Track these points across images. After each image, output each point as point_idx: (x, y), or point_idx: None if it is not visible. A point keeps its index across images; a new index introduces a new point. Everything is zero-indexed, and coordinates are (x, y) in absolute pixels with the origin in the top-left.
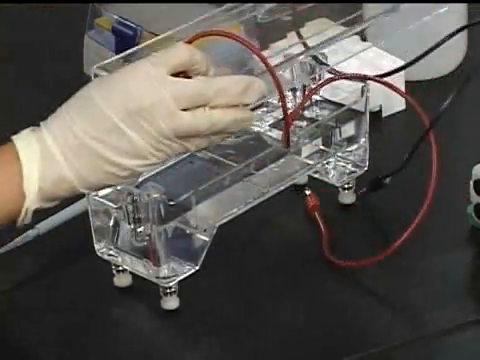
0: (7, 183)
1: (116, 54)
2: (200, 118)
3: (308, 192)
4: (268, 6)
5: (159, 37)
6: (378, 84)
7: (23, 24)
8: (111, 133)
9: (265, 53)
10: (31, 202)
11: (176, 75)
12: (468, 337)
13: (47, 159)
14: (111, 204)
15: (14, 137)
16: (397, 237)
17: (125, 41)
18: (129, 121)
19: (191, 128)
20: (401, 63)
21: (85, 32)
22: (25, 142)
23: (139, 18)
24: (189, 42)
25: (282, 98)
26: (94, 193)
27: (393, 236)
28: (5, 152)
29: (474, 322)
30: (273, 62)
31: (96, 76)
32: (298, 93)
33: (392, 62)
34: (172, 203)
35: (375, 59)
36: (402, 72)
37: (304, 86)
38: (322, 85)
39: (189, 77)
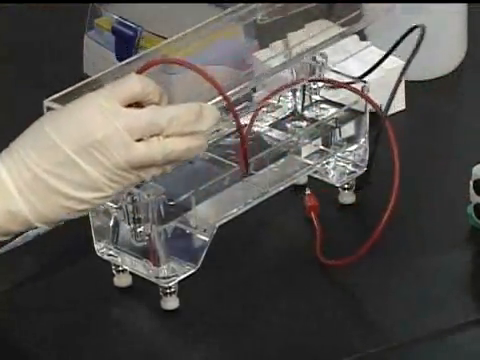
0: None
1: (116, 54)
2: (154, 148)
3: (308, 192)
4: (267, 6)
5: (164, 43)
6: (378, 84)
7: (23, 24)
8: (65, 166)
9: (265, 52)
10: None
11: (129, 105)
12: (468, 337)
13: (1, 192)
14: (111, 204)
15: None
16: (397, 238)
17: (125, 41)
18: (83, 154)
19: (146, 158)
20: (401, 63)
21: (85, 32)
22: None
23: (139, 18)
24: (139, 71)
25: (239, 125)
26: None
27: (392, 237)
28: None
29: (474, 322)
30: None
31: (49, 109)
32: (298, 93)
33: (392, 62)
34: (172, 203)
35: (375, 59)
36: (402, 71)
37: (304, 86)
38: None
39: (142, 106)
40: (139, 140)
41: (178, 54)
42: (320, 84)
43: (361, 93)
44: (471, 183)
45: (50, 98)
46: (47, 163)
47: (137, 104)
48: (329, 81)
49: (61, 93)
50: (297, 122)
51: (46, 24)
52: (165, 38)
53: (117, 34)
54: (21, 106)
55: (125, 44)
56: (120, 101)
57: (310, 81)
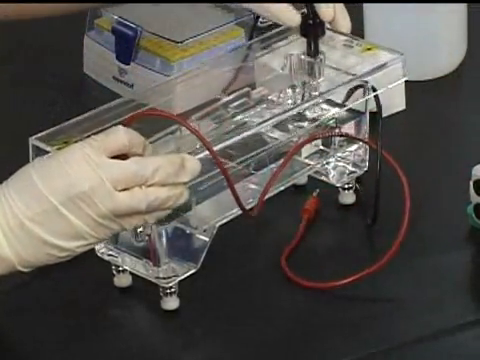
0: None
1: (116, 54)
2: (137, 197)
3: (315, 194)
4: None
5: None
6: (376, 83)
7: (23, 24)
8: (51, 216)
9: (266, 57)
10: None
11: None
12: (468, 337)
13: None
14: None
15: None
16: (395, 239)
17: (125, 41)
18: (69, 204)
19: (130, 208)
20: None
21: (85, 32)
22: None
23: (139, 18)
24: (126, 124)
25: (225, 175)
26: None
27: (392, 236)
28: None
29: (474, 322)
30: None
31: (34, 147)
32: (298, 90)
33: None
34: None
35: (374, 56)
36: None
37: (304, 83)
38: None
39: (126, 156)
40: (123, 189)
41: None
42: (320, 81)
43: (374, 146)
44: (471, 183)
45: (36, 136)
46: (33, 212)
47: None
48: (341, 135)
49: (47, 131)
50: (298, 122)
51: (46, 24)
52: (165, 38)
53: (117, 34)
54: (21, 106)
55: (125, 44)
56: (107, 153)
57: (323, 137)
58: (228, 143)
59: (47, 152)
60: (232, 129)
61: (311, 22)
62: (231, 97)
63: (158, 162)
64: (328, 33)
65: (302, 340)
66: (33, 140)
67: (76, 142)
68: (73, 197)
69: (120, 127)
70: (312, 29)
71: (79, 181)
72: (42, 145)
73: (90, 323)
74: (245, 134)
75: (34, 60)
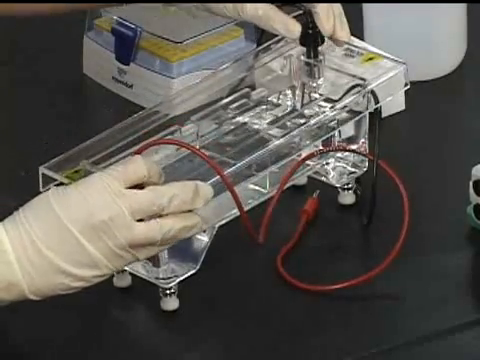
0: None
1: (116, 55)
2: (154, 228)
3: (315, 195)
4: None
5: None
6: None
7: (23, 24)
8: (68, 243)
9: (268, 56)
10: None
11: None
12: (468, 337)
13: (0, 261)
14: None
15: None
16: (394, 240)
17: (125, 42)
18: (87, 233)
19: (146, 239)
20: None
21: (84, 33)
22: None
23: (139, 19)
24: (138, 152)
25: (236, 200)
26: None
27: (392, 237)
28: None
29: (474, 322)
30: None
31: (44, 176)
32: (297, 91)
33: (391, 62)
34: None
35: (376, 66)
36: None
37: (303, 84)
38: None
39: (142, 186)
40: (139, 220)
41: (178, 56)
42: (319, 82)
43: (371, 157)
44: (471, 183)
45: (45, 165)
46: (51, 240)
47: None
48: (339, 149)
49: (55, 159)
50: (296, 119)
51: (46, 24)
52: (164, 38)
53: (117, 34)
54: (21, 106)
55: (125, 44)
56: (126, 183)
57: (321, 153)
58: (240, 165)
59: (55, 180)
60: (232, 130)
61: (310, 31)
62: (231, 98)
63: (174, 190)
64: (328, 42)
65: (302, 340)
66: (43, 169)
67: (86, 172)
68: (92, 226)
69: (139, 158)
70: (311, 38)
71: (99, 211)
72: (52, 174)
73: (90, 323)
74: (264, 151)
75: (34, 60)
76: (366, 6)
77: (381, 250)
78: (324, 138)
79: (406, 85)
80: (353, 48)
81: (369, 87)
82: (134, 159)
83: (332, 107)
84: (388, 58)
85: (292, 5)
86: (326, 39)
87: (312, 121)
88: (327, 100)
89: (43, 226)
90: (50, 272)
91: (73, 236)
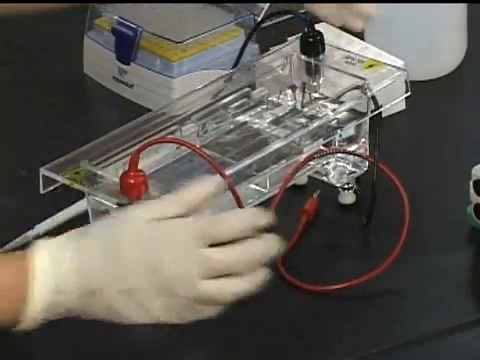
0: (12, 291)
1: (116, 54)
2: (220, 290)
3: (315, 195)
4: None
5: None
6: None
7: (23, 24)
8: (133, 295)
9: (267, 58)
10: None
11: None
12: (468, 337)
13: (60, 294)
14: (111, 204)
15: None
16: (394, 240)
17: (125, 41)
18: (163, 290)
19: (212, 300)
20: (400, 62)
21: (85, 32)
22: (43, 259)
23: (139, 18)
24: (139, 150)
25: (240, 205)
26: (94, 192)
27: (392, 237)
28: (21, 259)
29: (474, 322)
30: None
31: (44, 177)
32: (298, 91)
33: (391, 62)
34: None
35: (377, 73)
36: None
37: (304, 83)
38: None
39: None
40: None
41: (178, 56)
42: (320, 82)
43: (371, 160)
44: (471, 183)
45: (46, 166)
46: (116, 286)
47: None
48: (340, 152)
49: (56, 161)
50: (297, 119)
51: (46, 24)
52: (165, 38)
53: (117, 34)
54: (21, 106)
55: (125, 44)
56: (208, 241)
57: (322, 156)
58: (243, 165)
59: (57, 182)
60: (232, 129)
61: (311, 40)
62: (231, 97)
63: (242, 254)
64: (329, 50)
65: (302, 340)
66: (43, 170)
67: (86, 173)
68: (159, 282)
69: (231, 222)
70: (312, 47)
71: (168, 265)
72: (53, 175)
73: (90, 323)
74: (265, 152)
75: (34, 60)
76: None
77: (381, 250)
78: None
79: (407, 91)
80: (354, 55)
81: (370, 86)
82: (219, 220)
83: (334, 110)
84: (389, 65)
85: (295, 14)
86: (327, 47)
87: (315, 123)
88: (327, 100)
89: (108, 267)
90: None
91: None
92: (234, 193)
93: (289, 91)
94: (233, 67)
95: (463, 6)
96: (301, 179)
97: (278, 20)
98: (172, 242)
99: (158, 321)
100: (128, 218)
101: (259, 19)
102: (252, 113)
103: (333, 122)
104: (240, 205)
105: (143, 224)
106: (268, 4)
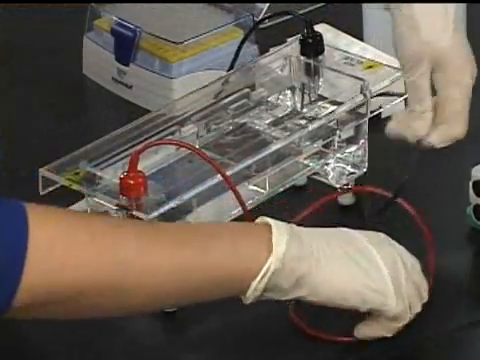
0: (254, 260)
1: (115, 55)
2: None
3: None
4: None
5: None
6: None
7: (22, 25)
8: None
9: (266, 59)
10: (265, 282)
11: None
12: (468, 338)
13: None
14: (111, 205)
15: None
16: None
17: (124, 42)
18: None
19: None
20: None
21: (84, 33)
22: (283, 236)
23: (138, 19)
24: (139, 152)
25: (240, 202)
26: (94, 193)
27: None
28: (259, 228)
29: (475, 323)
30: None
31: (43, 178)
32: (297, 92)
33: (390, 63)
34: (173, 205)
35: (376, 75)
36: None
37: (303, 85)
38: None
39: None
40: None
41: (178, 57)
42: (320, 83)
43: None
44: (471, 184)
45: (45, 167)
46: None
47: None
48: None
49: (56, 162)
50: (296, 120)
51: (45, 25)
52: (164, 39)
53: (116, 35)
54: (20, 107)
55: (124, 45)
56: None
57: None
58: (242, 166)
59: (56, 183)
60: (231, 130)
61: (310, 40)
62: (231, 98)
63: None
64: (328, 51)
65: (302, 342)
66: (43, 171)
67: (86, 174)
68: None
69: None
70: (312, 47)
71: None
72: (52, 176)
73: (88, 325)
74: (265, 153)
75: (33, 61)
76: (366, 6)
77: None
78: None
79: (406, 92)
80: (353, 56)
81: (369, 87)
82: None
83: (333, 111)
84: (388, 66)
85: (294, 15)
86: (326, 48)
87: (315, 124)
88: (326, 101)
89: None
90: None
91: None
92: (236, 193)
93: (288, 92)
94: (229, 68)
95: (462, 7)
96: (300, 180)
97: (277, 21)
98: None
99: (385, 297)
100: None
101: (258, 19)
102: (251, 114)
103: (332, 123)
104: (243, 205)
105: None
106: (267, 4)
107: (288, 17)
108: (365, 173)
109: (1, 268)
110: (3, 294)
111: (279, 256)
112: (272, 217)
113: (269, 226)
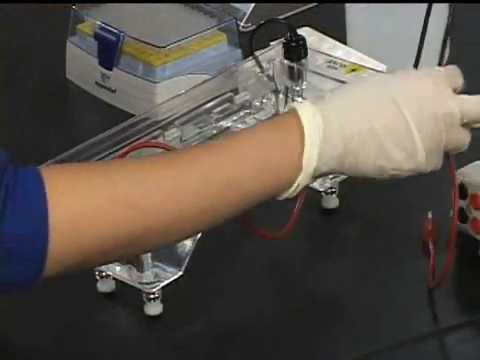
0: (288, 157)
1: (99, 59)
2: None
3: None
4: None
5: None
6: None
7: (5, 29)
8: (400, 130)
9: (250, 63)
10: (304, 179)
11: None
12: (452, 340)
13: (328, 142)
14: None
15: (298, 109)
16: (377, 242)
17: (108, 47)
18: (420, 124)
19: (464, 146)
20: (383, 67)
21: (67, 38)
22: (310, 118)
23: (122, 23)
24: (124, 154)
25: None
26: None
27: (376, 240)
28: (289, 122)
29: (456, 326)
30: None
31: None
32: (280, 95)
33: (374, 66)
34: None
35: (357, 70)
36: None
37: (286, 88)
38: None
39: None
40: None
41: (161, 61)
42: (303, 86)
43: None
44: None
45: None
46: (384, 123)
47: None
48: None
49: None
50: None
51: (28, 29)
52: (147, 43)
53: (100, 39)
54: (4, 111)
55: (108, 49)
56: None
57: None
58: None
59: None
60: (215, 134)
61: (294, 45)
62: (214, 102)
63: None
64: (311, 54)
65: (283, 344)
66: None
67: None
68: (426, 118)
69: (454, 67)
70: (295, 51)
71: (434, 104)
72: None
73: (73, 328)
74: None
75: (16, 65)
76: (349, 9)
77: (365, 254)
78: None
79: None
80: (336, 60)
81: None
82: (450, 68)
83: None
84: (371, 69)
85: (275, 20)
86: (309, 51)
87: None
88: None
89: (378, 108)
90: (373, 153)
91: (406, 123)
92: None
93: (272, 96)
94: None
95: (445, 10)
96: None
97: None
98: (431, 85)
99: (418, 163)
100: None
101: (243, 25)
102: (235, 118)
103: None
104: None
105: None
106: (251, 9)
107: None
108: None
109: (27, 243)
110: (32, 268)
111: (309, 172)
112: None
113: (300, 129)
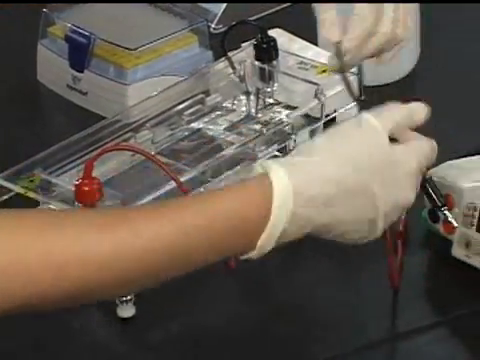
0: (255, 222)
1: (70, 62)
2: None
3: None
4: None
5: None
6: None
7: None
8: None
9: (221, 65)
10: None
11: None
12: (423, 341)
13: (296, 217)
14: None
15: (271, 175)
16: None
17: (78, 49)
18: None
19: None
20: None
21: (38, 40)
22: (281, 185)
23: (93, 26)
24: (95, 158)
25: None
26: (49, 201)
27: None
28: (261, 185)
29: (429, 326)
30: None
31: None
32: (252, 97)
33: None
34: None
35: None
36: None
37: (258, 89)
38: None
39: None
40: None
41: (132, 63)
42: (274, 88)
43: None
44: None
45: (1, 175)
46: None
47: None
48: None
49: (11, 169)
50: (252, 126)
51: None
52: (118, 45)
53: (70, 42)
54: None
55: (78, 52)
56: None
57: None
58: (197, 171)
59: (11, 191)
60: (186, 136)
61: (265, 46)
62: (185, 104)
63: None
64: (282, 55)
65: (263, 346)
66: None
67: (41, 181)
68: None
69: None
70: (266, 52)
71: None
72: (7, 184)
73: (45, 331)
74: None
75: None
76: (318, 10)
77: (353, 252)
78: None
79: (360, 96)
80: (307, 61)
81: (325, 92)
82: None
83: (287, 116)
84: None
85: (246, 22)
86: (280, 53)
87: (271, 130)
88: (281, 105)
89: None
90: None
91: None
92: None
93: (243, 97)
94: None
95: (416, 10)
96: None
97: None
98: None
99: (375, 225)
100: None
101: (214, 26)
102: (206, 119)
103: (287, 128)
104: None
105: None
106: (222, 10)
107: (242, 20)
108: None
109: None
110: None
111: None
112: None
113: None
